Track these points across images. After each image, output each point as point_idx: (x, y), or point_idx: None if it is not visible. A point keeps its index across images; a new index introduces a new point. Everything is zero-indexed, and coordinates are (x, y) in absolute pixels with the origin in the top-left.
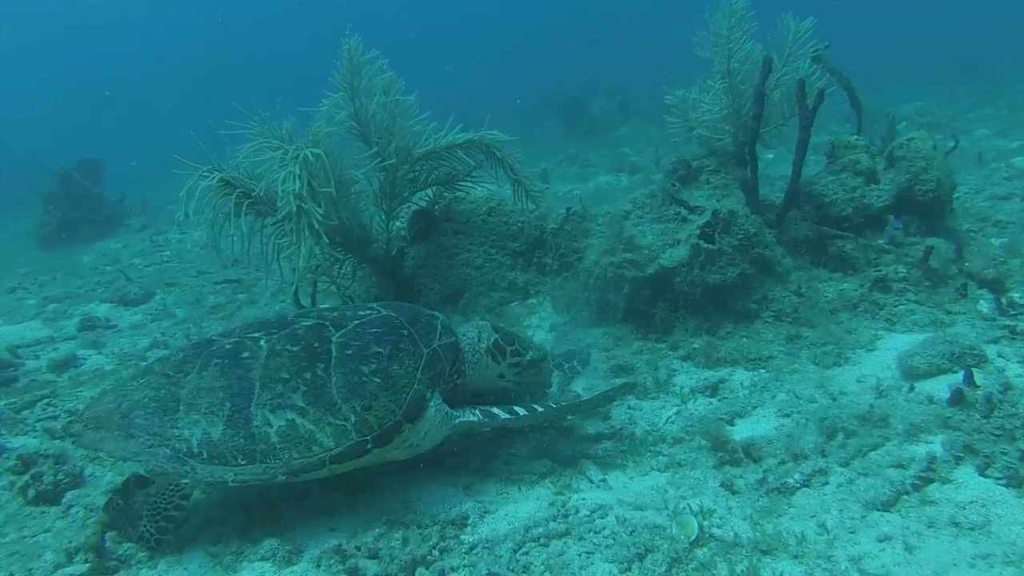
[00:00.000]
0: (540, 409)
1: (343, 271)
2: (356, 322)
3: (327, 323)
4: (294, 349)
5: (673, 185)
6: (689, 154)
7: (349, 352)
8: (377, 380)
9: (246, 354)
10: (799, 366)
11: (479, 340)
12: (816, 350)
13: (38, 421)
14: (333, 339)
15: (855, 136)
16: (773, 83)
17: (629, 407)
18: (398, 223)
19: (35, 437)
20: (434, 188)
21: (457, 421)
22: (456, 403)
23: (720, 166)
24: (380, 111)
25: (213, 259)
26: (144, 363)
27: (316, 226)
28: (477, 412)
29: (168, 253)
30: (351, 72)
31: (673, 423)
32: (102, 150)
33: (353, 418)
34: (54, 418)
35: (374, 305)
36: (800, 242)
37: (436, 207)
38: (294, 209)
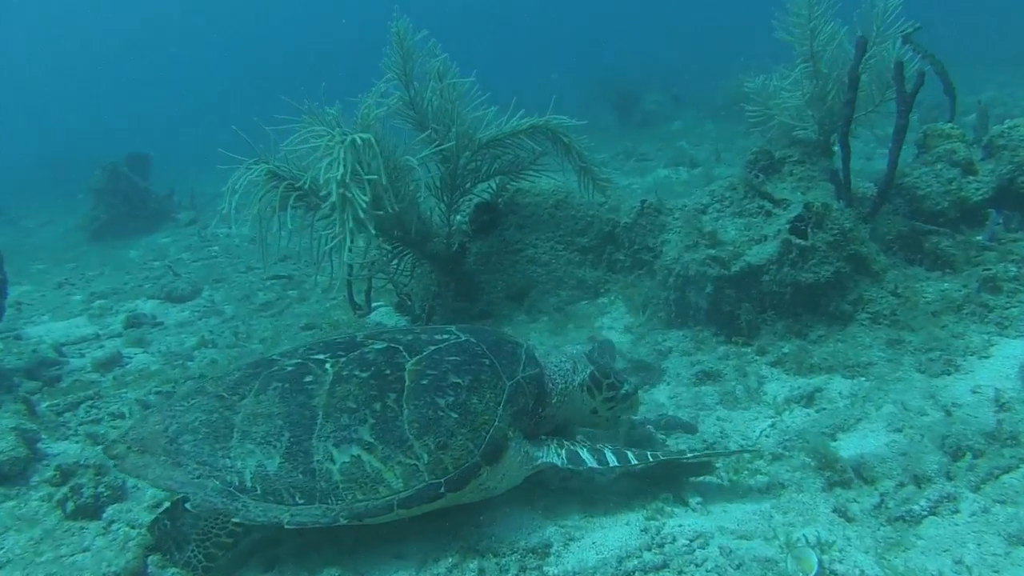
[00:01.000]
0: (634, 461)
1: (401, 267)
2: (432, 348)
3: (400, 347)
4: (363, 376)
5: (756, 176)
6: (771, 144)
7: (424, 382)
8: (454, 415)
9: (309, 378)
10: (903, 374)
11: (573, 372)
12: (921, 356)
13: (80, 425)
14: (407, 366)
15: (949, 124)
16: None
17: (719, 418)
18: (459, 217)
19: (76, 442)
20: (497, 179)
21: (539, 462)
22: (537, 436)
23: (804, 156)
24: (436, 97)
25: (262, 254)
26: (193, 380)
27: (361, 215)
28: (562, 454)
29: (216, 248)
30: (403, 57)
31: (768, 437)
32: (152, 144)
33: (426, 457)
34: (97, 421)
35: (452, 328)
36: (892, 238)
37: (499, 200)
38: (336, 198)
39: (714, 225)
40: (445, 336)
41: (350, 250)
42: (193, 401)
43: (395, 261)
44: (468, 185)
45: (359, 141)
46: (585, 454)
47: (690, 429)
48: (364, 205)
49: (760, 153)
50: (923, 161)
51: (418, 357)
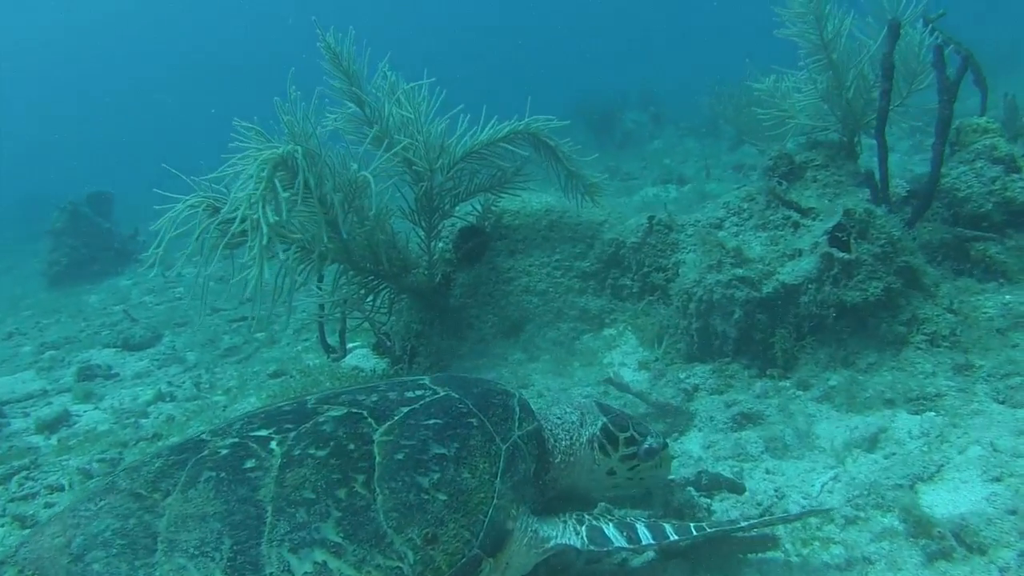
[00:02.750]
0: (674, 536)
1: (377, 304)
2: (406, 410)
3: (364, 413)
4: (320, 455)
5: (779, 183)
6: (790, 148)
7: (400, 457)
8: (442, 497)
9: (251, 463)
10: (980, 406)
11: (581, 425)
12: (997, 383)
13: (10, 502)
14: (375, 437)
15: (984, 118)
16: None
17: (768, 471)
18: (441, 244)
19: (1, 526)
20: (482, 199)
21: (552, 544)
22: (541, 505)
23: (827, 160)
24: (396, 108)
25: (200, 301)
26: (104, 479)
27: (264, 241)
28: (582, 532)
29: (181, 290)
30: (346, 76)
31: (832, 492)
32: (113, 181)
33: (411, 556)
34: (31, 497)
35: (426, 381)
36: (936, 246)
37: (486, 223)
38: (248, 221)
39: (734, 241)
40: (419, 392)
41: (257, 281)
42: (103, 503)
43: (370, 297)
44: (447, 206)
45: (283, 154)
46: (611, 531)
47: (736, 488)
48: (269, 224)
49: (779, 158)
50: (960, 159)
51: (388, 424)
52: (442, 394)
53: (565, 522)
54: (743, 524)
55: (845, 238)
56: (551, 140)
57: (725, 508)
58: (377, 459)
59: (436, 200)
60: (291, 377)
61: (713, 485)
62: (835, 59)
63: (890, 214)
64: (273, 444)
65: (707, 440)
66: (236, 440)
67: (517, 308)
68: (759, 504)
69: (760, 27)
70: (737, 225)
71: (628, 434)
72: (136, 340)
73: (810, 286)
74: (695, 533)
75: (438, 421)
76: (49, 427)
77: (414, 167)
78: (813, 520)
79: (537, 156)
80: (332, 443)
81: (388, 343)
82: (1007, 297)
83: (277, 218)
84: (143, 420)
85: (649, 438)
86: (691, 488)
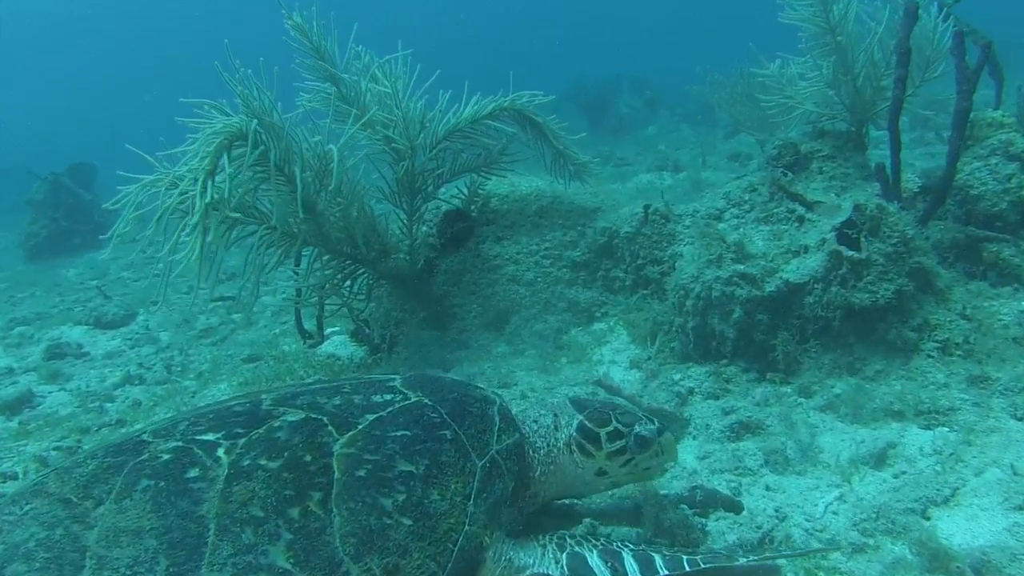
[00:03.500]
0: (664, 571)
1: (356, 289)
2: (372, 418)
3: (325, 419)
4: (272, 466)
5: (784, 174)
6: (796, 137)
7: (361, 473)
8: (407, 522)
9: (194, 472)
10: (996, 422)
11: (555, 428)
12: (1015, 398)
13: None
14: (335, 449)
15: (999, 112)
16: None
17: (768, 487)
18: (424, 228)
19: None
20: (468, 181)
21: (527, 575)
22: (520, 523)
23: (835, 151)
24: (372, 86)
25: (161, 283)
26: (32, 478)
27: (197, 217)
28: (562, 560)
29: (161, 266)
30: (317, 54)
31: (837, 515)
32: (99, 154)
33: None
34: None
35: (396, 382)
36: (948, 246)
37: (472, 207)
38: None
39: (734, 234)
40: (387, 397)
41: (196, 257)
42: (29, 507)
43: (348, 282)
44: (430, 188)
45: (239, 128)
46: (595, 560)
47: (734, 506)
48: (206, 201)
49: (784, 147)
50: (974, 155)
51: (351, 434)
52: (413, 400)
53: (544, 547)
54: (741, 561)
55: (855, 235)
56: (538, 117)
57: (721, 529)
58: (336, 474)
59: (418, 181)
60: (265, 363)
61: (709, 502)
62: (842, 43)
63: (902, 211)
64: (220, 451)
65: (702, 450)
66: (179, 444)
67: (503, 298)
68: (759, 527)
69: (761, 14)
70: (738, 217)
71: (610, 428)
72: (109, 318)
73: (816, 286)
74: (687, 568)
75: (407, 433)
76: (11, 408)
77: (394, 145)
78: (810, 530)
79: (524, 135)
80: (286, 453)
81: (367, 331)
82: None
83: (218, 196)
84: (108, 404)
85: (637, 426)
86: (684, 506)
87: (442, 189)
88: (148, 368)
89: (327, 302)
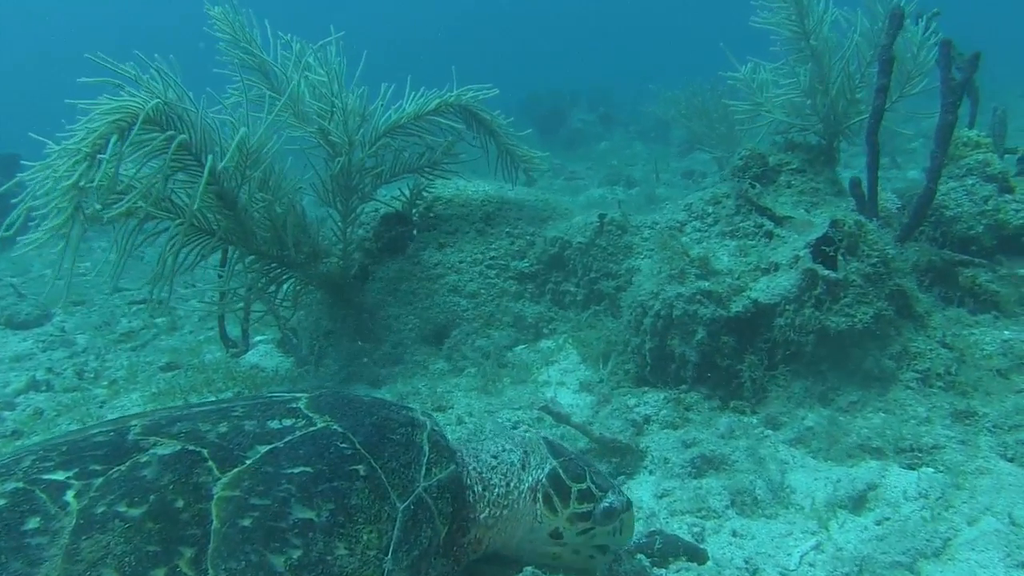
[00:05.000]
0: None
1: (282, 294)
2: (264, 449)
3: (205, 452)
4: (133, 515)
5: (752, 186)
6: (764, 148)
7: (246, 523)
8: None
9: (34, 523)
10: (986, 463)
11: (523, 468)
12: (1005, 437)
13: None
14: (215, 491)
15: (975, 131)
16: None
17: (735, 533)
18: (361, 231)
19: None
20: (411, 183)
21: None
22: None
23: (804, 164)
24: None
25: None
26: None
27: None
28: None
29: (88, 264)
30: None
31: (815, 567)
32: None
33: None
34: None
35: (301, 402)
36: (924, 270)
37: (414, 210)
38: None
39: (701, 249)
40: (287, 423)
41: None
42: None
43: (273, 287)
44: (367, 187)
45: (144, 108)
46: None
47: (697, 555)
48: (70, 182)
49: (751, 158)
50: (949, 174)
51: (236, 471)
52: (319, 426)
53: None
54: None
55: (832, 253)
56: (485, 113)
57: None
58: (214, 524)
59: (355, 179)
60: (184, 372)
61: (669, 551)
62: (817, 48)
63: (882, 228)
64: (69, 495)
65: (661, 487)
66: (19, 486)
67: (442, 310)
68: None
69: (725, 27)
70: (700, 231)
71: (583, 486)
72: (22, 318)
73: (788, 307)
74: None
75: (307, 469)
76: None
77: (330, 138)
78: None
79: (471, 132)
80: (153, 497)
81: (294, 341)
82: (1006, 333)
83: (91, 183)
84: (7, 412)
85: (610, 494)
86: (641, 555)
87: (381, 190)
88: (57, 374)
89: (253, 308)
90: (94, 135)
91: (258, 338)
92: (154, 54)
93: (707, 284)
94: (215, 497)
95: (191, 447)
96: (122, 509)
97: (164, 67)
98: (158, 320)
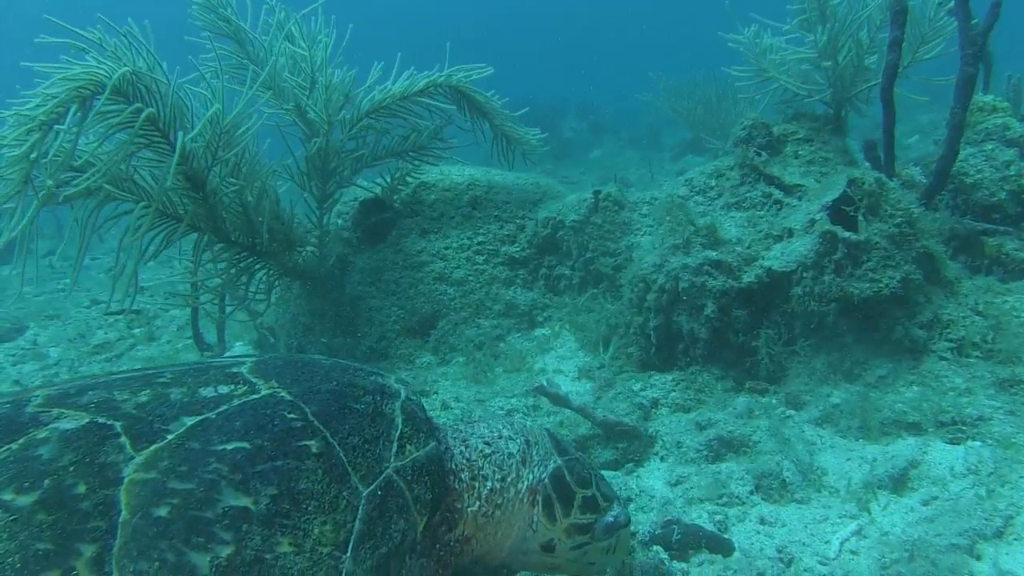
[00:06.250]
0: None
1: (254, 285)
2: (191, 421)
3: (118, 425)
4: (22, 504)
5: (758, 154)
6: (768, 118)
7: (163, 512)
8: None
9: None
10: None
11: (522, 462)
12: None
13: None
14: (126, 472)
15: (991, 96)
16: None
17: (762, 520)
18: (341, 221)
19: None
20: (394, 169)
21: None
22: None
23: (812, 133)
24: (287, 47)
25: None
26: None
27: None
28: None
29: (67, 281)
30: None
31: (858, 555)
32: None
33: None
34: None
35: (244, 367)
36: (947, 239)
37: (395, 196)
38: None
39: (708, 219)
40: (225, 389)
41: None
42: None
43: (244, 278)
44: (346, 171)
45: (105, 76)
46: None
47: (721, 546)
48: (20, 153)
49: (754, 127)
50: (967, 140)
51: (154, 449)
52: (264, 394)
53: None
54: None
55: (852, 214)
56: (478, 94)
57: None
58: (123, 515)
59: (333, 161)
60: None
61: (689, 542)
62: (828, 9)
63: (905, 187)
64: None
65: (675, 474)
66: None
67: (428, 300)
68: (760, 575)
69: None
70: (704, 205)
71: (588, 493)
72: None
73: (805, 274)
74: None
75: (244, 445)
76: None
77: (308, 117)
78: None
79: (462, 115)
80: (47, 482)
81: (271, 340)
82: None
83: (44, 156)
84: None
85: (615, 506)
86: (658, 547)
87: (360, 174)
88: (26, 387)
89: (228, 306)
90: (53, 103)
91: (236, 343)
92: (127, 17)
93: (715, 254)
94: (126, 481)
95: (101, 420)
96: (8, 497)
97: (136, 32)
98: (136, 331)
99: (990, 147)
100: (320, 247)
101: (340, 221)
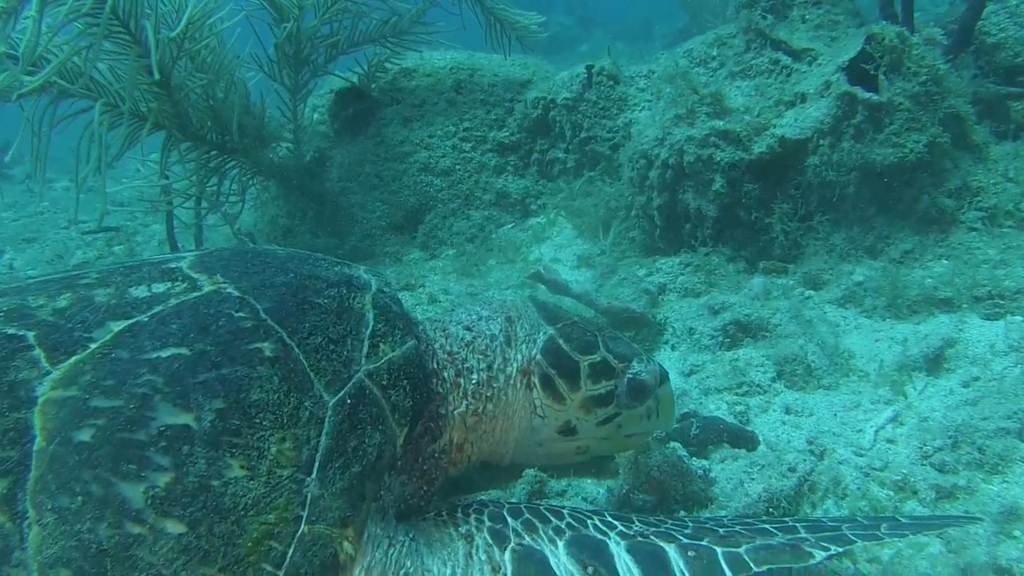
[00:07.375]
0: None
1: (226, 187)
2: (119, 328)
3: (30, 337)
4: None
5: (764, 17)
6: None
7: (86, 436)
8: (175, 530)
9: None
10: None
11: (505, 341)
12: None
13: None
14: (41, 391)
15: None
16: None
17: (787, 409)
18: (316, 115)
19: None
20: (372, 56)
21: None
22: (425, 500)
23: None
24: None
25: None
26: None
27: None
28: (505, 559)
29: (47, 204)
30: None
31: (895, 443)
32: None
33: None
34: None
35: (184, 261)
36: (971, 102)
37: (374, 84)
38: None
39: (713, 88)
40: (161, 287)
41: None
42: None
43: (215, 178)
44: (320, 59)
45: None
46: (562, 562)
47: (744, 439)
48: None
49: None
50: None
51: (74, 361)
52: (207, 290)
53: (469, 541)
54: (819, 556)
55: (872, 72)
56: None
57: (734, 476)
58: (38, 442)
59: (305, 48)
60: None
61: (709, 437)
62: None
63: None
64: None
65: (688, 362)
66: None
67: (413, 192)
68: (791, 470)
69: None
70: (708, 74)
71: (596, 358)
72: None
73: (822, 142)
74: (727, 570)
75: (183, 352)
76: None
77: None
78: (864, 468)
79: None
80: None
81: (251, 245)
82: None
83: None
84: None
85: (635, 363)
86: (675, 443)
87: (336, 64)
88: None
89: (205, 211)
90: None
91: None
92: None
93: (722, 123)
94: (40, 401)
95: (11, 330)
96: None
97: None
98: (116, 248)
99: (1014, 2)
100: (295, 142)
101: (316, 116)
